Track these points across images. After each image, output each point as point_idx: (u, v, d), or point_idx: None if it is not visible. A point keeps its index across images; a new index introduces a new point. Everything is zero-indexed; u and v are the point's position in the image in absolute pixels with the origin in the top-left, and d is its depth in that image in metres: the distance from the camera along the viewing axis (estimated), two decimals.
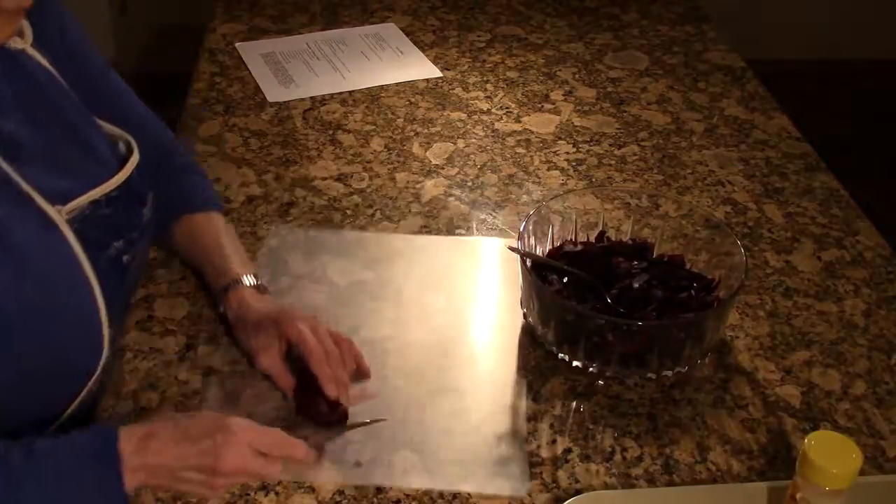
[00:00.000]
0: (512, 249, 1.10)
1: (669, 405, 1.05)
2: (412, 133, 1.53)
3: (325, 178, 1.42)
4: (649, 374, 1.06)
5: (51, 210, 0.91)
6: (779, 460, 0.99)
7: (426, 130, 1.54)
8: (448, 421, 1.02)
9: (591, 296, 1.10)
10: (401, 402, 1.04)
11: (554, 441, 1.00)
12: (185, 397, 1.04)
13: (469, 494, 0.94)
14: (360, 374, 1.06)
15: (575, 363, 1.07)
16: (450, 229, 1.31)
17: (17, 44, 0.95)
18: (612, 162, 1.48)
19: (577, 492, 0.94)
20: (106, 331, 0.96)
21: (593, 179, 1.43)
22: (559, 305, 1.05)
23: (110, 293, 0.97)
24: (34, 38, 0.98)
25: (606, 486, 0.95)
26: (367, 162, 1.46)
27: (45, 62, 0.99)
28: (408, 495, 0.93)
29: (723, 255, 1.13)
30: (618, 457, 0.98)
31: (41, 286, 0.89)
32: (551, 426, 1.02)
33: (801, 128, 1.58)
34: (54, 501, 0.83)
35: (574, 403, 1.05)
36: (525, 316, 1.13)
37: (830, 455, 0.82)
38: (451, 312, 1.17)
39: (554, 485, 0.95)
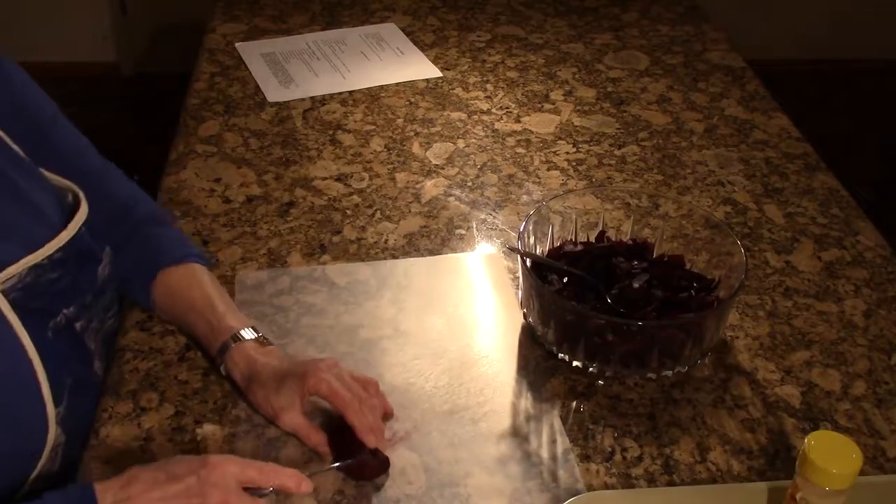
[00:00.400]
0: (512, 249, 1.10)
1: (669, 405, 1.05)
2: (412, 133, 1.53)
3: (325, 178, 1.42)
4: (649, 374, 1.06)
5: None
6: (779, 460, 0.98)
7: (426, 130, 1.54)
8: (447, 420, 1.02)
9: (591, 296, 1.10)
10: (397, 402, 1.04)
11: (554, 441, 1.00)
12: (184, 397, 1.04)
13: (469, 494, 0.94)
14: (386, 415, 1.00)
15: (575, 363, 1.07)
16: (450, 229, 1.31)
17: None
18: (612, 162, 1.48)
19: (577, 492, 0.94)
20: (50, 410, 0.86)
21: (593, 179, 1.43)
22: (559, 305, 1.05)
23: (61, 367, 0.87)
24: None
25: (606, 486, 0.95)
26: (368, 162, 1.46)
27: None
28: (407, 495, 0.93)
29: (723, 256, 1.13)
30: (618, 457, 0.98)
31: None
32: (551, 426, 1.02)
33: (801, 128, 1.58)
34: None
35: (574, 403, 1.04)
36: (525, 316, 1.13)
37: (831, 455, 0.82)
38: (450, 314, 1.17)
39: (554, 484, 0.95)
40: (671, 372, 1.07)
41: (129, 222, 1.08)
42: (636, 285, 1.10)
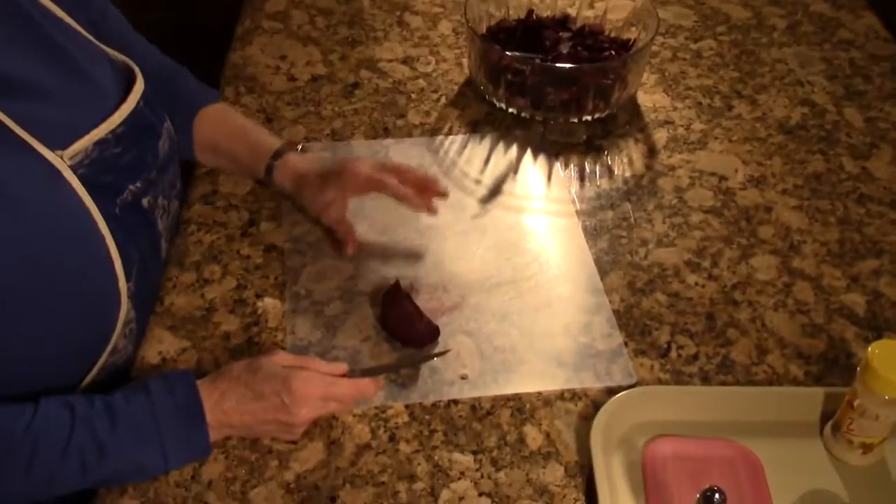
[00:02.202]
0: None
1: (729, 305, 1.03)
2: None
3: (390, 61, 1.39)
4: (585, 117, 1.25)
5: (51, 156, 0.81)
6: (837, 367, 0.97)
7: None
8: (506, 309, 1.02)
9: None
10: (459, 290, 1.04)
11: (610, 335, 1.00)
12: (246, 271, 1.06)
13: (522, 381, 0.95)
14: (438, 193, 1.08)
15: (523, 115, 1.27)
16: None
17: None
18: (687, 56, 1.42)
19: (630, 386, 0.94)
20: (123, 285, 0.88)
21: (666, 74, 1.38)
22: (505, 67, 1.24)
23: (129, 243, 0.89)
24: None
25: (660, 382, 0.95)
26: (435, 45, 1.43)
27: None
28: (462, 378, 0.95)
29: (639, 13, 1.32)
30: (673, 353, 0.98)
31: (45, 242, 0.80)
32: (607, 320, 1.01)
33: (891, 28, 1.50)
34: (139, 457, 0.83)
35: (632, 298, 1.04)
36: (474, 79, 1.31)
37: (893, 364, 0.80)
38: (505, 204, 1.16)
39: (607, 376, 0.95)
40: (603, 114, 1.26)
41: (172, 83, 1.11)
42: (564, 51, 1.28)
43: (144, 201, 0.93)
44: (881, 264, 1.09)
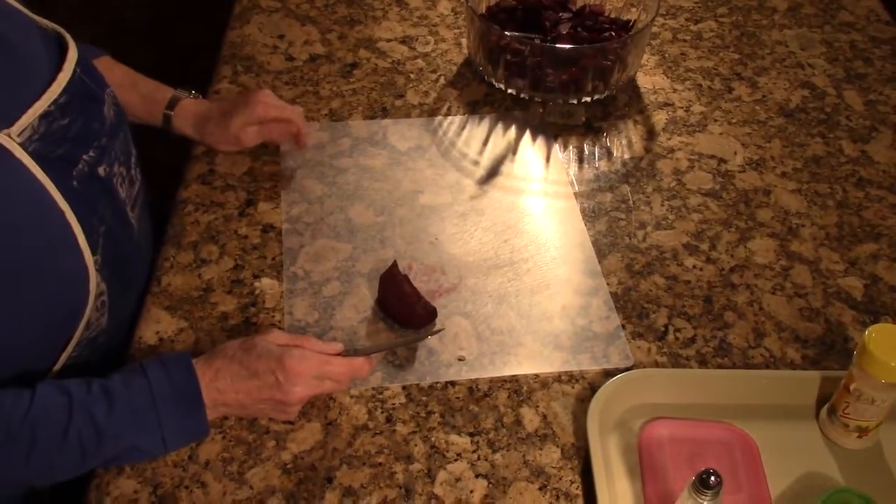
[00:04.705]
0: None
1: (727, 289, 1.03)
2: None
3: (389, 40, 1.38)
4: (584, 98, 1.26)
5: None
6: (834, 351, 0.97)
7: None
8: (503, 291, 1.02)
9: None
10: (457, 272, 1.04)
11: (607, 317, 1.00)
12: (243, 251, 1.05)
13: (520, 363, 0.95)
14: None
15: (522, 95, 1.27)
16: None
17: None
18: (687, 38, 1.42)
19: (628, 368, 0.94)
20: (89, 258, 0.86)
21: (666, 55, 1.38)
22: (504, 47, 1.24)
23: (90, 214, 0.87)
24: None
25: (657, 365, 0.95)
26: (434, 25, 1.42)
27: None
28: (459, 360, 0.95)
29: None
30: (671, 336, 0.98)
31: (3, 223, 0.78)
32: (605, 302, 1.01)
33: (892, 10, 1.50)
34: (138, 440, 0.83)
35: (630, 281, 1.04)
36: (475, 63, 1.30)
37: (890, 348, 0.80)
38: (504, 185, 1.16)
39: (604, 359, 0.95)
40: (602, 96, 1.26)
41: None
42: (564, 31, 1.28)
43: (100, 170, 0.91)
44: (879, 248, 1.09)
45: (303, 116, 1.16)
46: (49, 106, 0.84)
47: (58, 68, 0.88)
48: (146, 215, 1.06)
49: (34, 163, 0.81)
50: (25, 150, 0.80)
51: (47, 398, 0.80)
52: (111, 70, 1.13)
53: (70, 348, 0.90)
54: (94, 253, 0.87)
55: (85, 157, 0.88)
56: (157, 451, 0.85)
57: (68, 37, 0.92)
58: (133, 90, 1.13)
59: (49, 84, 0.85)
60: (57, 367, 0.90)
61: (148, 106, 1.14)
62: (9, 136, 0.79)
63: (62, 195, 0.82)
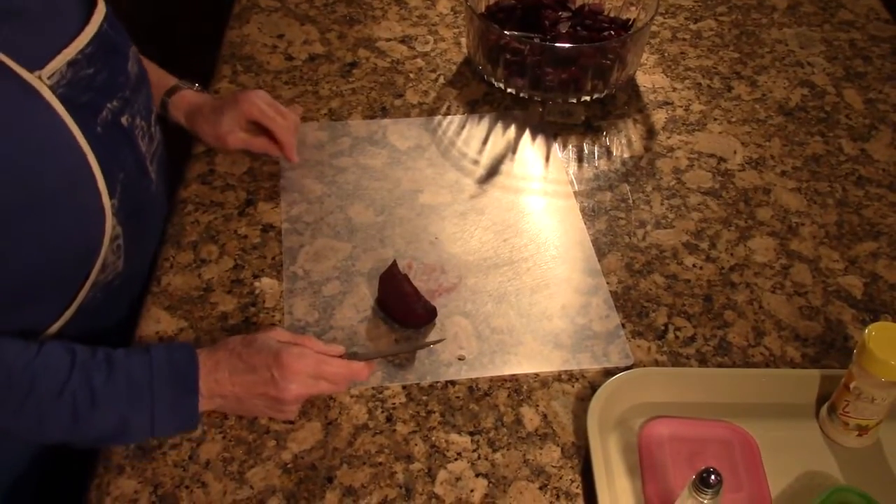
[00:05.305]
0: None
1: (727, 287, 1.03)
2: None
3: (388, 40, 1.38)
4: (584, 97, 1.26)
5: (29, 77, 0.82)
6: (834, 350, 0.97)
7: None
8: (503, 290, 1.02)
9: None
10: (457, 271, 1.04)
11: (607, 316, 1.00)
12: (243, 251, 1.05)
13: (520, 362, 0.95)
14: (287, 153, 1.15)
15: (522, 95, 1.27)
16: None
17: None
18: (687, 36, 1.42)
19: (628, 367, 0.94)
20: (106, 201, 0.89)
21: (666, 54, 1.38)
22: (503, 46, 1.24)
23: (111, 160, 0.90)
24: None
25: (657, 364, 0.95)
26: (433, 25, 1.42)
27: None
28: (459, 359, 0.95)
29: None
30: (670, 335, 0.98)
31: (28, 159, 0.81)
32: (605, 301, 1.01)
33: (891, 9, 1.50)
34: (127, 412, 0.84)
35: (630, 280, 1.04)
36: (475, 63, 1.30)
37: (890, 346, 0.80)
38: (504, 183, 1.16)
39: (604, 358, 0.95)
40: (601, 94, 1.27)
41: None
42: (563, 30, 1.28)
43: (123, 119, 0.94)
44: (879, 247, 1.09)
45: (295, 125, 1.15)
46: (77, 54, 0.88)
47: (86, 22, 0.92)
48: (163, 173, 1.08)
49: (61, 105, 0.84)
50: (54, 92, 0.84)
51: (52, 353, 0.83)
52: None
53: (87, 288, 0.92)
54: (111, 196, 0.90)
55: (109, 105, 0.92)
56: (145, 431, 0.85)
57: None
58: None
59: (77, 34, 0.89)
60: (73, 305, 0.92)
61: (153, 91, 1.13)
62: (39, 77, 0.83)
63: (85, 138, 0.86)
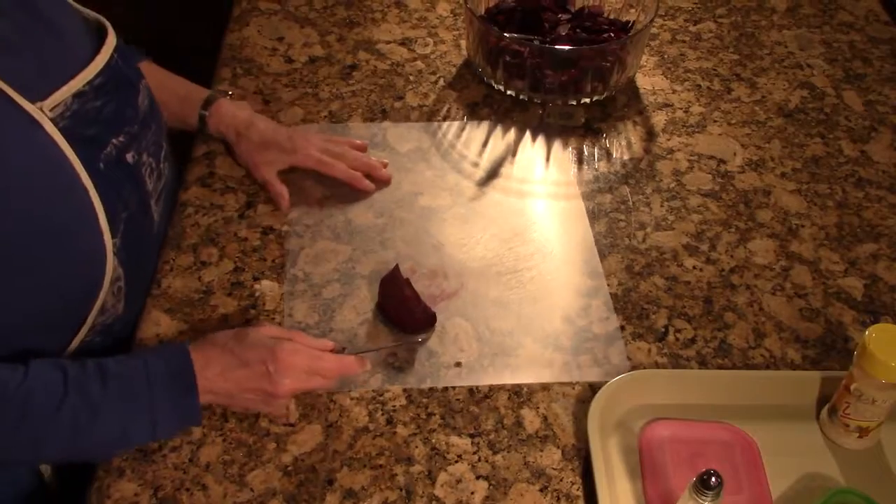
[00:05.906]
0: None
1: (727, 289, 1.03)
2: None
3: (388, 42, 1.39)
4: (583, 100, 1.26)
5: (31, 108, 0.80)
6: (834, 351, 0.97)
7: None
8: (504, 293, 1.02)
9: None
10: (458, 279, 1.04)
11: (607, 318, 1.00)
12: (243, 254, 1.05)
13: (519, 365, 0.95)
14: (380, 177, 1.15)
15: (522, 97, 1.27)
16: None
17: None
18: (686, 38, 1.42)
19: (627, 369, 0.94)
20: (108, 240, 0.87)
21: (665, 56, 1.38)
22: (503, 48, 1.24)
23: (115, 198, 0.88)
24: None
25: (657, 366, 0.95)
26: (433, 27, 1.42)
27: None
28: (458, 362, 0.95)
29: None
30: (671, 337, 0.98)
31: (27, 195, 0.79)
32: (605, 303, 1.01)
33: (891, 11, 1.50)
34: (128, 419, 0.82)
35: (630, 282, 1.04)
36: (475, 65, 1.30)
37: (890, 348, 0.80)
38: (506, 187, 1.16)
39: (604, 360, 0.95)
40: (602, 97, 1.26)
41: None
42: (563, 33, 1.27)
43: (128, 156, 0.92)
44: (879, 248, 1.09)
45: (353, 158, 1.14)
46: (84, 86, 0.86)
47: (96, 52, 0.90)
48: (167, 212, 1.06)
49: (63, 139, 0.82)
50: (56, 125, 0.82)
51: (42, 372, 0.81)
52: (152, 74, 1.11)
53: (84, 331, 0.90)
54: (113, 236, 0.88)
55: (114, 140, 0.90)
56: (147, 435, 0.84)
57: (108, 25, 0.95)
58: (171, 92, 1.14)
59: (86, 65, 0.88)
60: (71, 348, 0.90)
61: (185, 107, 1.14)
62: (41, 109, 0.81)
63: (88, 174, 0.84)
